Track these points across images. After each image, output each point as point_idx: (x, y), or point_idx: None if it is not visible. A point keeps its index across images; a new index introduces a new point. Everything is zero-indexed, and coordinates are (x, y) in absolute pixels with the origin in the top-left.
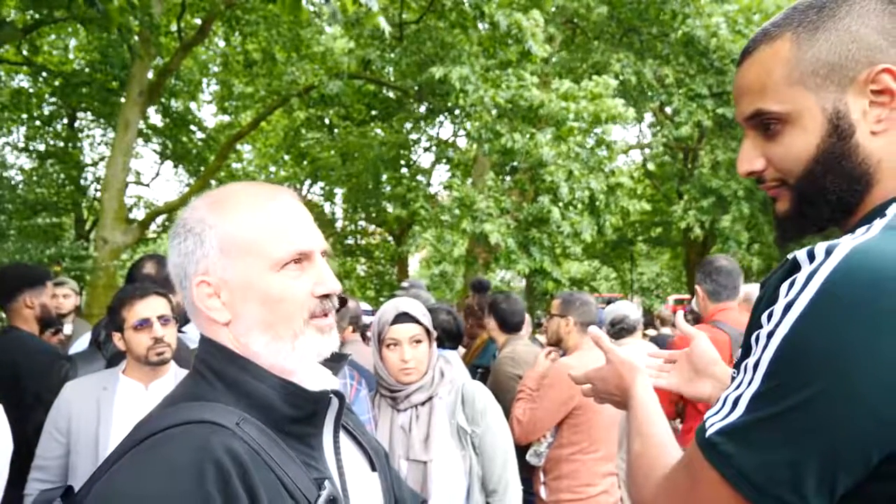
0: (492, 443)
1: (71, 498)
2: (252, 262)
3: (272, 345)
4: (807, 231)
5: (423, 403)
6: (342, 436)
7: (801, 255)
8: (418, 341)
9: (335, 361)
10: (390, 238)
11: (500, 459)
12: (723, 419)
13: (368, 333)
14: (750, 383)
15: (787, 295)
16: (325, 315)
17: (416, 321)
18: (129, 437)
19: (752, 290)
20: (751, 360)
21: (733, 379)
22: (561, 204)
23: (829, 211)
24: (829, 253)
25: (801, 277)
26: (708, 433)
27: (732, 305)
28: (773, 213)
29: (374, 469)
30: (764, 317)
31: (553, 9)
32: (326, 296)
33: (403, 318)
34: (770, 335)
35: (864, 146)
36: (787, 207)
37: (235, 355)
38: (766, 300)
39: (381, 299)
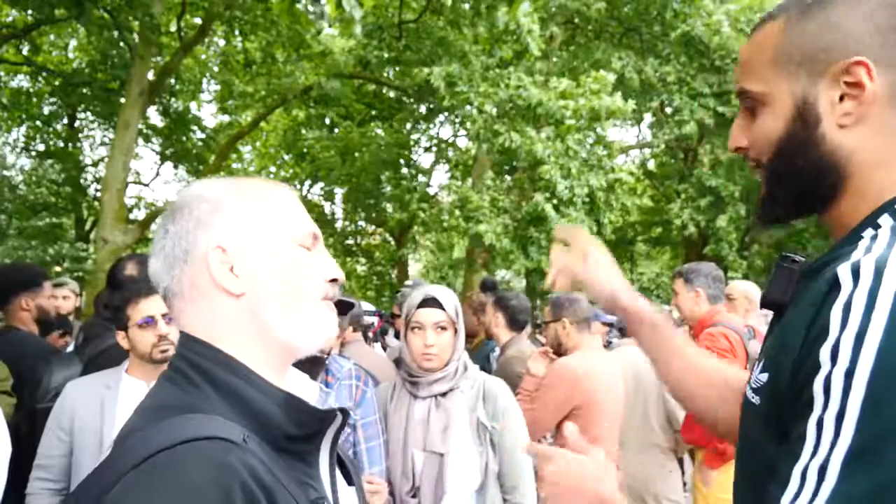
0: (513, 440)
1: None
2: (275, 234)
3: (291, 318)
4: (781, 217)
5: (443, 394)
6: None
7: (842, 274)
8: (443, 328)
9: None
10: (390, 239)
11: (519, 457)
12: (811, 499)
13: (370, 334)
14: (835, 443)
15: (846, 324)
16: (331, 300)
17: (442, 308)
18: (124, 453)
19: (750, 288)
20: (826, 414)
21: (788, 446)
22: (555, 201)
23: (796, 195)
24: (880, 268)
25: (858, 300)
26: None
27: (722, 308)
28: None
29: (350, 483)
30: (824, 355)
31: (553, 8)
32: (334, 280)
33: (430, 302)
34: (849, 374)
35: (832, 138)
36: (763, 190)
37: (233, 361)
38: (812, 337)
39: (382, 299)
